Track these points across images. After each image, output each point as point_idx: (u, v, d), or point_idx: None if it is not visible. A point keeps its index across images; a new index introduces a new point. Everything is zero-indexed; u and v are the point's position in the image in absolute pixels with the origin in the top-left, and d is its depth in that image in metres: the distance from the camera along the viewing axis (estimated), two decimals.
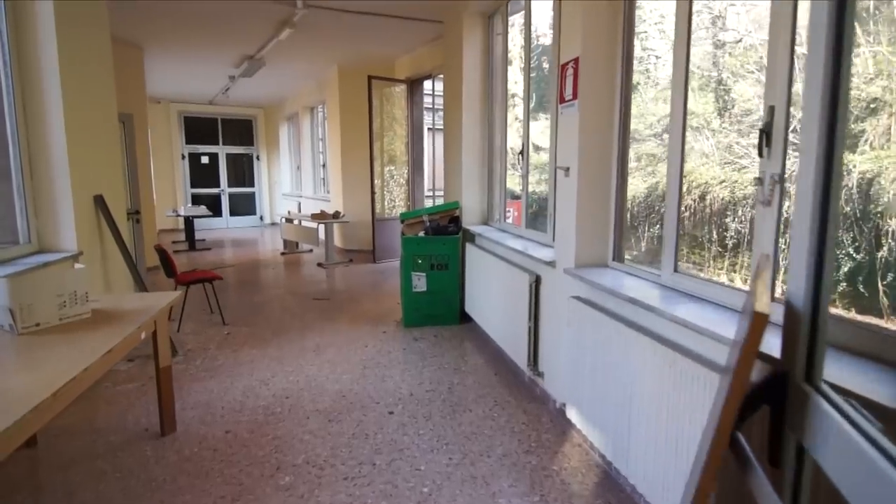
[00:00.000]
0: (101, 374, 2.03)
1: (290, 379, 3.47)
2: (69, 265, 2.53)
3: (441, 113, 8.56)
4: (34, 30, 3.13)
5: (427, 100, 8.08)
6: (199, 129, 12.67)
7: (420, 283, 4.46)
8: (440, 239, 4.43)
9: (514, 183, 4.49)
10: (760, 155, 1.75)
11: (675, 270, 2.22)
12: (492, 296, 3.91)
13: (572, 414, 2.62)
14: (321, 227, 7.94)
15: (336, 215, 7.98)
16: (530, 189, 4.63)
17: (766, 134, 1.72)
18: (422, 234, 4.51)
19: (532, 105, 4.49)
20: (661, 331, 2.02)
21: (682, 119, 2.15)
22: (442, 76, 6.74)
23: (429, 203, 8.53)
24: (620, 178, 2.66)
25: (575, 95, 2.64)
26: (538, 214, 4.33)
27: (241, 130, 13.31)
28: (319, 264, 7.73)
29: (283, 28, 5.99)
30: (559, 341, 2.90)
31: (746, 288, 1.92)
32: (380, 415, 2.95)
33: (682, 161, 2.18)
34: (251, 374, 3.57)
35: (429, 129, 8.68)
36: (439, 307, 4.55)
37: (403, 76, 7.81)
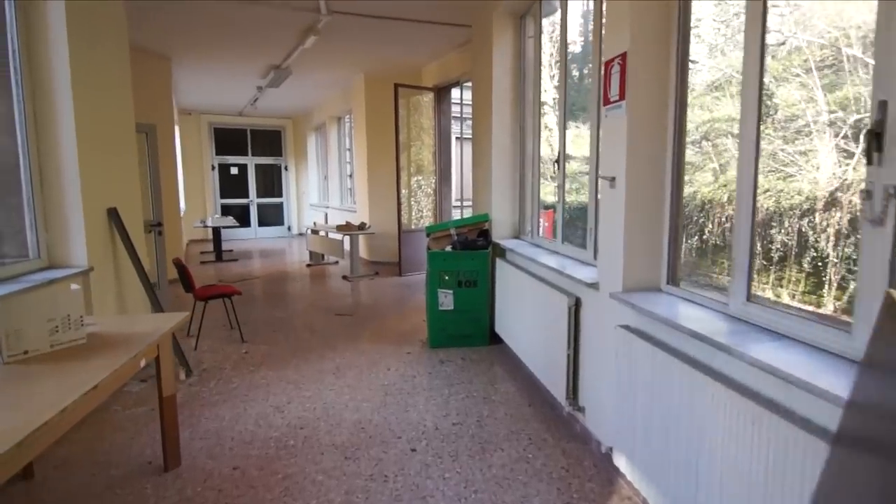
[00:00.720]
0: (86, 412, 1.81)
1: (306, 406, 3.22)
2: (65, 286, 2.35)
3: (469, 121, 8.32)
4: (45, 37, 3.00)
5: (454, 109, 7.84)
6: (228, 140, 12.77)
7: (447, 301, 4.18)
8: (468, 254, 4.14)
9: (544, 193, 4.17)
10: (869, 162, 1.40)
11: (749, 300, 1.87)
12: (524, 317, 3.60)
13: (621, 462, 2.28)
14: (346, 239, 7.77)
15: (362, 227, 7.79)
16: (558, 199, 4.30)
17: (876, 135, 1.38)
18: (449, 248, 4.24)
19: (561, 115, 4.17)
20: (736, 375, 1.68)
21: (756, 120, 1.82)
22: (470, 83, 6.50)
23: (456, 214, 8.27)
24: (675, 190, 2.32)
25: (622, 95, 2.33)
26: (568, 225, 4.02)
27: (269, 141, 13.37)
28: (344, 277, 7.54)
29: (308, 36, 5.86)
30: (603, 374, 2.56)
31: (839, 320, 1.56)
32: (401, 452, 2.66)
33: (756, 169, 1.84)
34: (266, 398, 3.34)
35: (457, 138, 8.44)
36: (467, 327, 4.25)
37: (430, 84, 7.60)
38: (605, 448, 2.46)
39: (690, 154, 2.78)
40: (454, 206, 8.20)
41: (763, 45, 1.81)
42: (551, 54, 4.55)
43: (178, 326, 2.55)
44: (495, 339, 4.32)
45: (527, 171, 4.34)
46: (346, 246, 7.73)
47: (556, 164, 3.56)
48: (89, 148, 3.26)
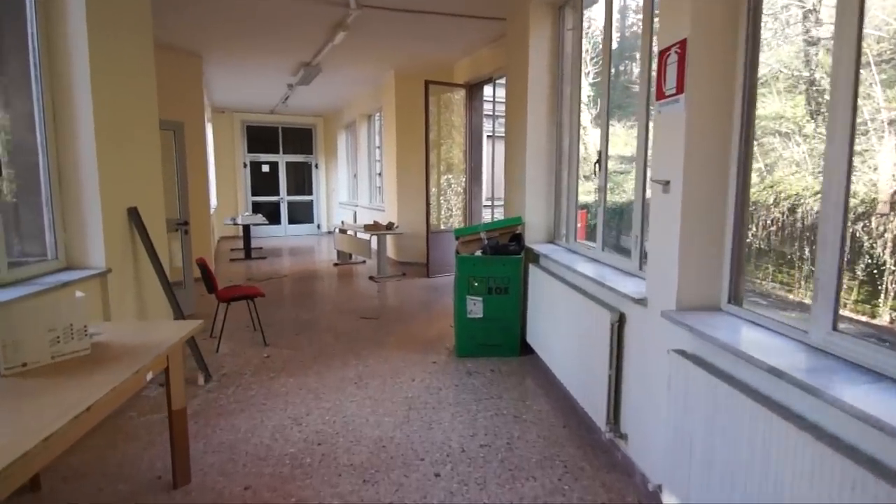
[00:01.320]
0: (81, 433, 1.66)
1: (325, 418, 3.04)
2: (68, 293, 2.24)
3: (501, 119, 8.05)
4: (64, 29, 2.91)
5: (486, 107, 7.59)
6: (260, 137, 12.84)
7: (476, 308, 3.95)
8: (500, 259, 3.90)
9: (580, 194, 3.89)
10: None
11: (835, 328, 1.58)
12: (559, 329, 3.33)
13: (671, 502, 2.01)
14: (374, 239, 7.62)
15: (390, 226, 7.62)
16: (590, 199, 4.02)
17: None
18: (479, 253, 4.00)
19: (595, 113, 3.89)
20: (826, 423, 1.40)
21: (851, 115, 1.52)
22: (503, 79, 6.24)
23: (486, 214, 8.02)
24: (741, 196, 2.03)
25: (680, 88, 2.05)
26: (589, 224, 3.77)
27: (300, 139, 13.39)
28: (371, 277, 7.39)
29: (338, 31, 5.71)
30: (652, 402, 2.29)
31: None
32: (424, 476, 2.45)
33: (850, 173, 1.54)
34: (284, 408, 3.18)
35: (488, 136, 8.18)
36: (497, 336, 4.01)
37: (462, 80, 7.37)
38: (652, 485, 2.19)
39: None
40: (485, 205, 7.95)
41: (860, 33, 1.51)
42: (586, 50, 4.26)
43: (191, 335, 2.40)
44: (526, 350, 4.06)
45: (563, 172, 4.07)
46: (374, 246, 7.59)
47: (595, 165, 3.28)
48: (109, 145, 3.16)
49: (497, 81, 6.86)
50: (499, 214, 8.84)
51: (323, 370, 3.80)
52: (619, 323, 2.55)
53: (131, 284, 3.43)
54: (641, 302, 2.33)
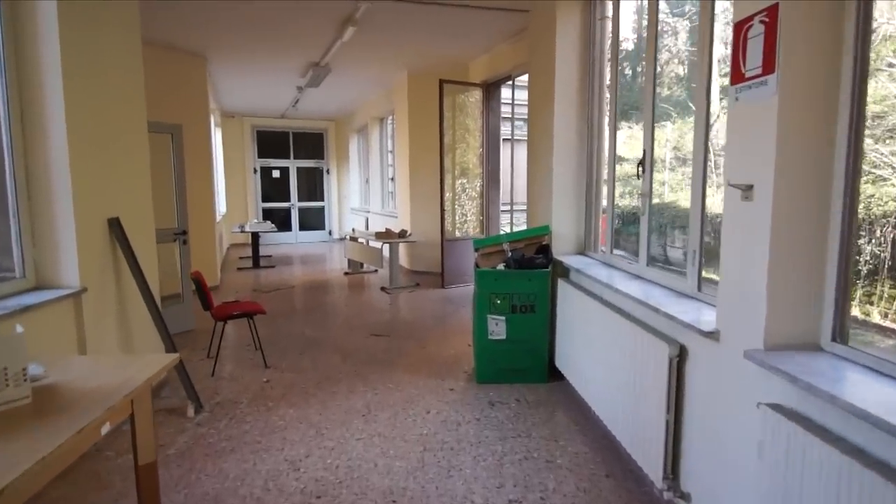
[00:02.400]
0: None
1: (327, 462, 2.63)
2: (6, 326, 1.88)
3: (519, 122, 7.60)
4: (33, 23, 2.56)
5: (504, 109, 7.18)
6: (271, 142, 12.57)
7: (498, 329, 3.52)
8: (525, 273, 3.47)
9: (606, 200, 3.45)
10: None
11: None
12: (596, 356, 2.89)
13: None
14: (386, 247, 7.23)
15: (402, 234, 7.23)
16: (625, 204, 3.59)
17: None
18: (501, 266, 3.57)
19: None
20: None
21: None
22: (524, 76, 5.83)
23: (505, 221, 7.58)
24: (849, 204, 1.58)
25: (769, 67, 1.61)
26: (622, 232, 3.34)
27: (312, 144, 13.09)
28: (383, 288, 7.00)
29: (346, 27, 5.34)
30: (727, 458, 1.84)
31: None
32: None
33: None
34: (281, 448, 2.78)
35: (505, 139, 7.75)
36: (522, 360, 3.57)
37: (479, 80, 6.96)
38: None
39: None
40: (503, 209, 7.52)
41: None
42: (626, 38, 3.84)
43: (162, 374, 2.01)
44: (554, 374, 3.62)
45: (594, 175, 3.64)
46: (386, 254, 7.20)
47: (639, 166, 2.84)
48: (87, 148, 2.80)
49: (517, 81, 6.43)
50: (519, 220, 8.40)
51: (327, 399, 3.39)
52: (680, 358, 2.10)
53: (112, 305, 3.06)
54: (711, 335, 1.88)
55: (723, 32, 2.23)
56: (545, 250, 3.60)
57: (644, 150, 2.81)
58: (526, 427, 2.99)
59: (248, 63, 7.08)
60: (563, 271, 3.60)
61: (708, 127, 2.26)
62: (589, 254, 3.69)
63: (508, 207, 7.95)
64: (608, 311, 2.73)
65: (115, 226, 3.05)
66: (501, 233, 6.87)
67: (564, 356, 3.49)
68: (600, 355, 2.84)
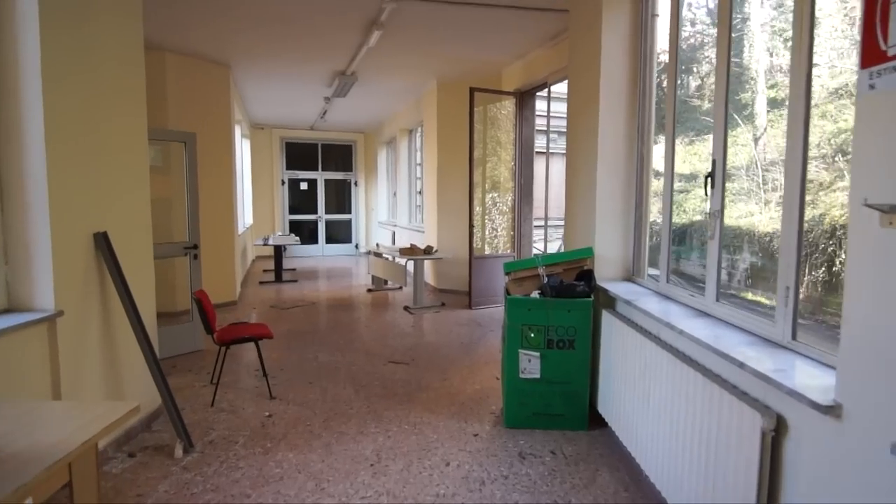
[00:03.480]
0: None
1: None
2: None
3: (554, 136, 7.15)
4: (11, 25, 2.28)
5: (539, 121, 6.74)
6: (299, 154, 12.44)
7: (532, 366, 3.04)
8: (564, 303, 2.99)
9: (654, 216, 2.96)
10: None
11: None
12: (651, 407, 2.38)
13: None
14: (410, 264, 6.85)
15: (428, 251, 6.82)
16: (650, 219, 3.13)
17: None
18: (536, 294, 3.10)
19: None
20: None
21: None
22: (561, 84, 5.39)
23: (538, 239, 7.09)
24: None
25: None
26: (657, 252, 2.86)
27: (340, 156, 12.92)
28: (406, 308, 6.59)
29: (372, 31, 5.02)
30: None
31: None
32: None
33: None
34: None
35: (538, 152, 7.29)
36: (559, 404, 3.08)
37: (512, 88, 6.55)
38: None
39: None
40: (536, 224, 7.04)
41: None
42: (690, 35, 3.37)
43: (113, 429, 1.62)
44: (595, 419, 3.11)
45: (643, 189, 3.16)
46: (411, 270, 6.80)
47: (707, 179, 2.35)
48: (70, 158, 2.50)
49: (553, 91, 5.98)
50: (553, 236, 7.89)
51: (332, 441, 2.98)
52: (776, 433, 1.59)
53: (95, 330, 2.73)
54: (830, 411, 1.37)
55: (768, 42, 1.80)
56: (587, 276, 3.12)
57: (713, 161, 2.32)
58: (563, 490, 2.49)
59: (273, 71, 6.87)
60: (608, 301, 3.10)
61: (807, 128, 1.77)
62: (637, 281, 3.19)
63: (542, 223, 7.47)
64: (667, 356, 2.23)
65: (101, 241, 2.73)
66: (535, 252, 6.40)
67: (608, 401, 2.98)
68: (656, 408, 2.33)
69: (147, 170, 3.23)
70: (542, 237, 7.00)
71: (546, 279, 3.10)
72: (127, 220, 3.02)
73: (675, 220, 2.94)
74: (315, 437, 3.02)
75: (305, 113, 10.08)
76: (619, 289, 3.02)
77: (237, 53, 6.05)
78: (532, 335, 3.02)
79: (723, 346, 1.87)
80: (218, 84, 6.39)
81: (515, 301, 3.06)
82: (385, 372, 4.17)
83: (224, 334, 3.56)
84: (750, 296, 2.80)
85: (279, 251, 8.85)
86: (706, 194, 2.36)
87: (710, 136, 2.38)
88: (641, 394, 2.50)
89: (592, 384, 3.14)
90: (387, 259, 7.57)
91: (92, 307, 2.71)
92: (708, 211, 2.37)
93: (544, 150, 7.47)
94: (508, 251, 6.84)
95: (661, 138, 3.13)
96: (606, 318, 3.02)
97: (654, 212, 3.23)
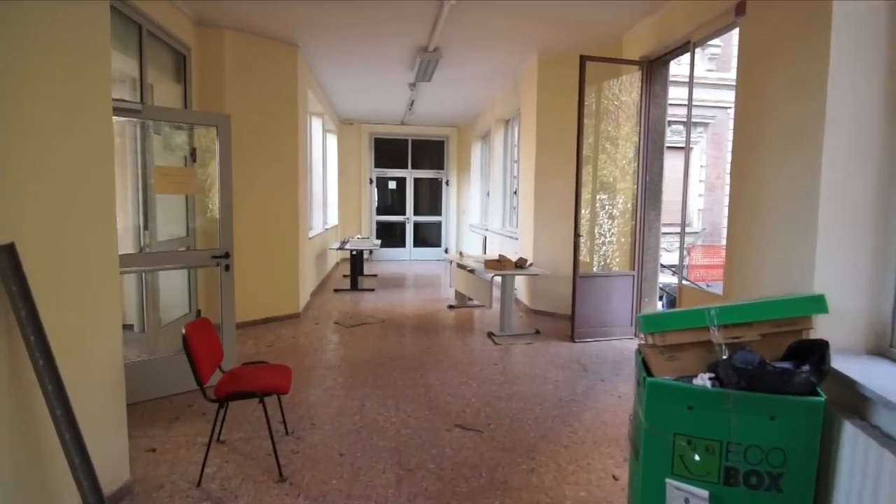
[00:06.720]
0: None
1: None
2: None
3: (675, 127, 5.52)
4: None
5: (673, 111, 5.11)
6: (388, 151, 11.68)
7: None
8: (765, 402, 1.55)
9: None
10: None
11: None
12: None
13: None
14: (497, 280, 5.57)
15: (521, 264, 5.48)
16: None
17: None
18: (706, 378, 1.68)
19: None
20: None
21: None
22: (712, 43, 3.81)
23: (666, 252, 5.44)
24: None
25: None
26: None
27: (432, 153, 11.97)
28: (490, 334, 5.32)
29: None
30: None
31: None
32: None
33: None
34: None
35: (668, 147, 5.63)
36: None
37: (637, 56, 5.01)
38: None
39: None
40: (664, 231, 5.43)
41: None
42: None
43: None
44: None
45: None
46: (498, 288, 5.52)
47: None
48: None
49: (704, 46, 4.36)
50: (672, 246, 6.15)
51: None
52: None
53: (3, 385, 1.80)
54: None
55: None
56: (811, 351, 1.63)
57: None
58: None
59: (347, 52, 5.95)
60: (852, 401, 1.60)
61: None
62: None
63: (678, 231, 5.79)
64: None
65: (6, 256, 1.79)
66: (662, 265, 4.82)
67: None
68: None
69: (111, 157, 2.28)
70: (678, 249, 5.35)
71: (724, 351, 1.66)
72: (66, 223, 2.09)
73: None
74: None
75: (393, 105, 9.21)
76: (871, 375, 1.52)
77: (304, 29, 5.19)
78: (697, 458, 1.61)
79: None
80: (284, 66, 5.60)
81: (663, 388, 1.67)
82: (447, 443, 2.95)
83: (224, 388, 2.55)
84: None
85: (356, 257, 8.02)
86: None
87: None
88: None
89: None
90: (470, 272, 6.32)
91: None
92: None
93: (673, 144, 5.79)
94: (624, 269, 5.29)
95: None
96: (850, 434, 1.53)
97: None
